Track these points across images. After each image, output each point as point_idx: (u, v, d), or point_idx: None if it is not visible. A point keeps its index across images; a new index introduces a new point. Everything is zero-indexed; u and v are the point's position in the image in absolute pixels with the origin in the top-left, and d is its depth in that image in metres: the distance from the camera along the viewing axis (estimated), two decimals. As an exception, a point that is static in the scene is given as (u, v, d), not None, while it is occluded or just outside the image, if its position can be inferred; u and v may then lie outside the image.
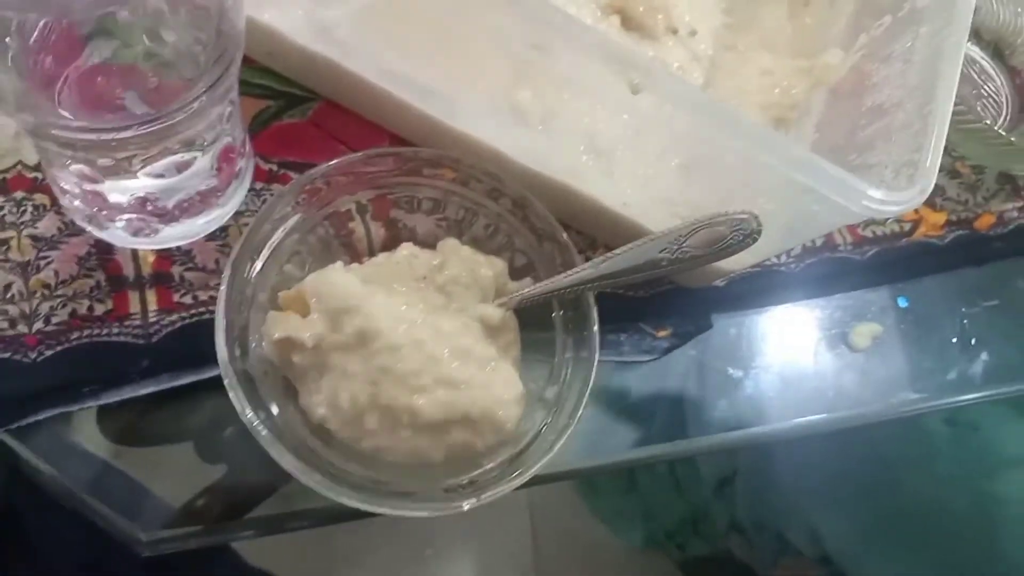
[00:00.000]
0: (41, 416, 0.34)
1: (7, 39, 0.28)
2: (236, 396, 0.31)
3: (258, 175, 0.39)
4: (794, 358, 0.44)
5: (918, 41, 0.35)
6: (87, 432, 0.37)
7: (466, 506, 0.32)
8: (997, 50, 0.53)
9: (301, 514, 0.37)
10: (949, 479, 0.68)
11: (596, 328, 0.35)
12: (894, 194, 0.30)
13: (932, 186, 0.30)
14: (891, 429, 0.70)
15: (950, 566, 0.70)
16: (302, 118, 0.41)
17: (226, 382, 0.31)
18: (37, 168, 0.37)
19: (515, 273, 0.37)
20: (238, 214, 0.38)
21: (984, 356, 0.46)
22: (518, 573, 1.19)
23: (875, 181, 0.31)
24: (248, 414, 0.30)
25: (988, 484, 0.63)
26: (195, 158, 0.33)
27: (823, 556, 0.80)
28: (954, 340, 0.46)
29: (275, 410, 0.32)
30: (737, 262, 0.39)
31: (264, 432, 0.30)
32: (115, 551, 0.66)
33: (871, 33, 0.40)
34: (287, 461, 0.30)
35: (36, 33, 0.30)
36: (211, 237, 0.38)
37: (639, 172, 0.37)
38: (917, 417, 0.67)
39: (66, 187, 0.34)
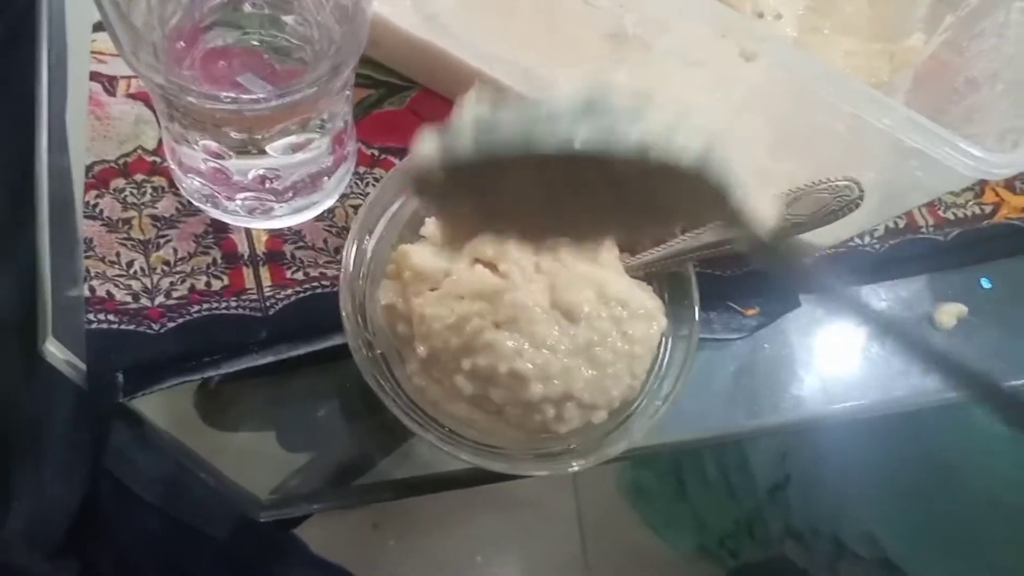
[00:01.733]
0: (166, 384, 0.35)
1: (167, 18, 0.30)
2: (360, 358, 0.32)
3: (361, 159, 0.41)
4: (879, 337, 0.44)
5: (1012, 15, 0.36)
6: (179, 419, 0.38)
7: (575, 465, 0.33)
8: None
9: (407, 482, 0.38)
10: (1008, 480, 0.67)
11: (697, 304, 0.36)
12: (1001, 156, 0.30)
13: (1040, 149, 0.31)
14: (947, 430, 0.70)
15: (1010, 569, 0.69)
16: (400, 106, 0.42)
17: (351, 346, 0.32)
18: (155, 152, 0.39)
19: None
20: (343, 196, 0.40)
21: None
22: (568, 581, 1.19)
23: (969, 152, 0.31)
24: (374, 376, 0.32)
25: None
26: (314, 139, 0.35)
27: (883, 559, 0.80)
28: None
29: (394, 376, 0.33)
30: (831, 236, 0.40)
31: (388, 391, 0.31)
32: (193, 545, 0.68)
33: (957, 13, 0.41)
34: (407, 420, 0.32)
35: (174, 18, 0.32)
36: (319, 218, 0.39)
37: (735, 150, 0.38)
38: (974, 417, 0.67)
39: (191, 165, 0.36)
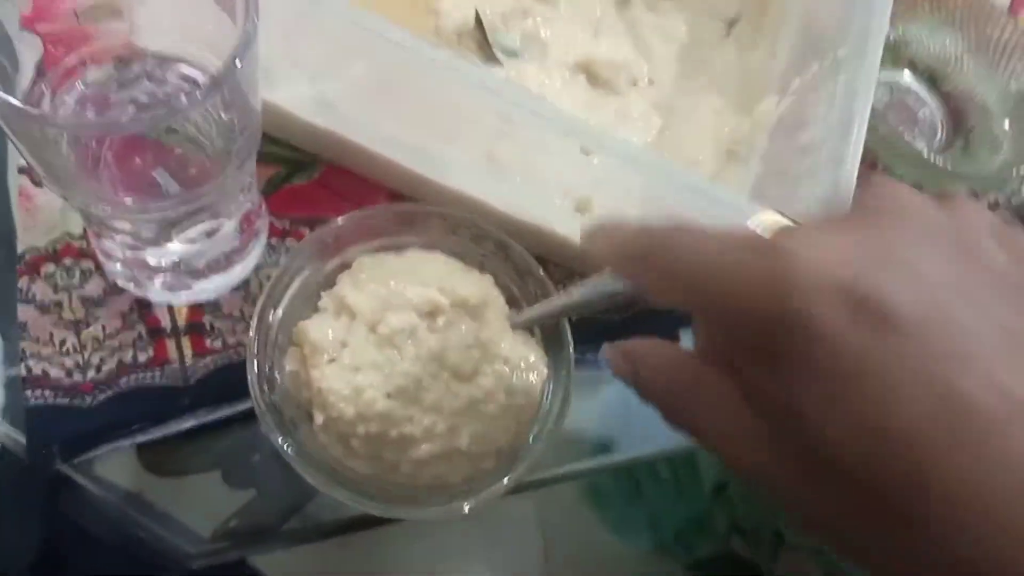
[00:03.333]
0: (100, 451, 0.39)
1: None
2: (266, 423, 0.36)
3: (272, 232, 0.45)
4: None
5: (838, 87, 0.41)
6: (125, 468, 0.42)
7: (466, 508, 0.37)
8: (931, 78, 0.59)
9: (327, 525, 0.43)
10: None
11: (571, 348, 0.41)
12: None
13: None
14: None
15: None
16: (309, 180, 0.46)
17: (258, 412, 0.36)
18: (81, 237, 0.43)
19: (501, 306, 0.42)
20: (257, 267, 0.44)
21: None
22: (532, 588, 1.23)
23: (800, 213, 0.36)
24: (278, 439, 0.36)
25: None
26: (222, 224, 0.39)
27: (818, 549, 0.85)
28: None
29: (299, 435, 0.38)
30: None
31: (292, 453, 0.36)
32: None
33: (803, 78, 0.46)
34: (312, 477, 0.36)
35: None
36: (235, 289, 0.43)
37: (608, 212, 0.43)
38: None
39: (112, 253, 0.40)
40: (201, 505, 0.44)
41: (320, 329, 0.38)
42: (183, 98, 0.28)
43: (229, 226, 0.40)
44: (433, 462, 0.37)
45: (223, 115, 0.34)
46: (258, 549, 0.45)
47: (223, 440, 0.44)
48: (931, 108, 0.58)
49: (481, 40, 0.47)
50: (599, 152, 0.34)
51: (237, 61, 0.28)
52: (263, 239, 0.44)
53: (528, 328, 0.41)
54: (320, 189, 0.46)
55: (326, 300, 0.40)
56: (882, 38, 0.41)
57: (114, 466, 0.42)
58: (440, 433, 0.37)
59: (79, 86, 0.35)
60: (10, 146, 0.44)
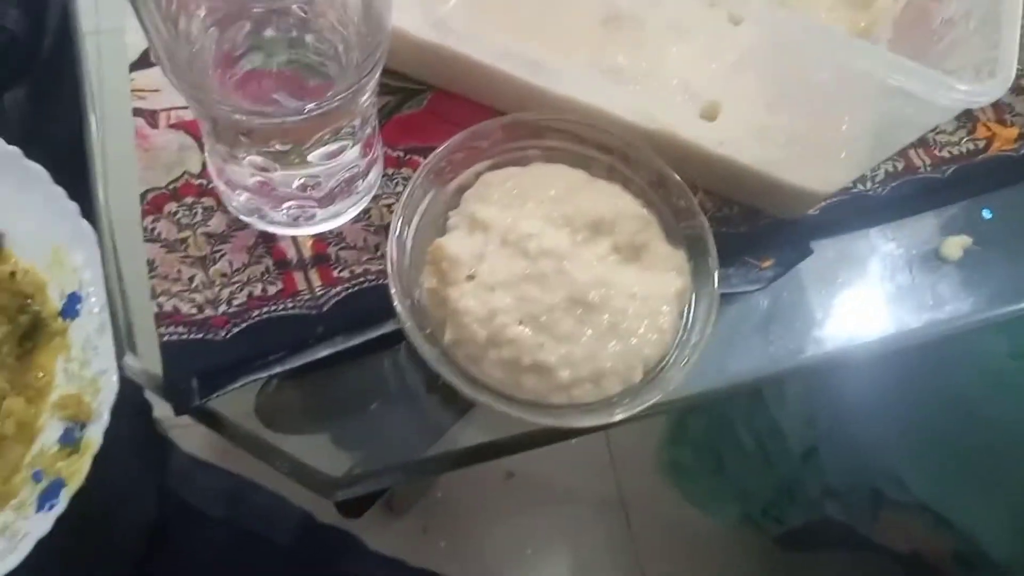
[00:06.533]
0: (238, 384, 0.39)
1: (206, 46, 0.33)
2: (413, 336, 0.35)
3: (387, 162, 0.44)
4: (891, 274, 0.47)
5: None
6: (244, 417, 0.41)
7: (618, 414, 0.36)
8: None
9: (469, 451, 0.41)
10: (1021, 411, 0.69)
11: (715, 260, 0.39)
12: (978, 86, 0.33)
13: (1013, 76, 0.33)
14: (962, 365, 0.72)
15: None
16: (419, 108, 0.46)
17: (401, 315, 0.35)
18: (201, 175, 0.42)
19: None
20: (376, 197, 0.43)
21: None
22: (619, 569, 1.21)
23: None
24: (426, 348, 0.35)
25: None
26: (346, 146, 0.38)
27: (921, 504, 0.81)
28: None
29: (443, 348, 0.37)
30: (832, 183, 0.43)
31: (443, 360, 0.35)
32: (260, 553, 0.71)
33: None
34: (461, 383, 0.35)
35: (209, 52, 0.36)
36: (356, 219, 0.43)
37: (733, 109, 0.41)
38: (983, 354, 0.69)
39: (238, 181, 0.39)
40: (324, 453, 0.42)
41: (458, 244, 0.37)
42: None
43: (352, 149, 0.39)
44: (577, 384, 0.36)
45: (363, 27, 0.34)
46: (392, 481, 0.43)
47: (341, 387, 0.43)
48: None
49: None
50: (752, 17, 0.32)
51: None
52: (381, 167, 0.43)
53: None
54: (430, 116, 0.45)
55: (456, 219, 0.39)
56: None
57: (234, 411, 0.41)
58: (578, 359, 0.36)
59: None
60: (120, 89, 0.44)
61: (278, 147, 0.35)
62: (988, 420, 0.71)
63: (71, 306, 0.47)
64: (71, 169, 0.46)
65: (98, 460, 0.46)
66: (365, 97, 0.36)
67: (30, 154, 0.47)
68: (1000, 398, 0.70)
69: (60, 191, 0.46)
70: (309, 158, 0.37)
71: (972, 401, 0.72)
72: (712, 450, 1.21)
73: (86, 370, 0.46)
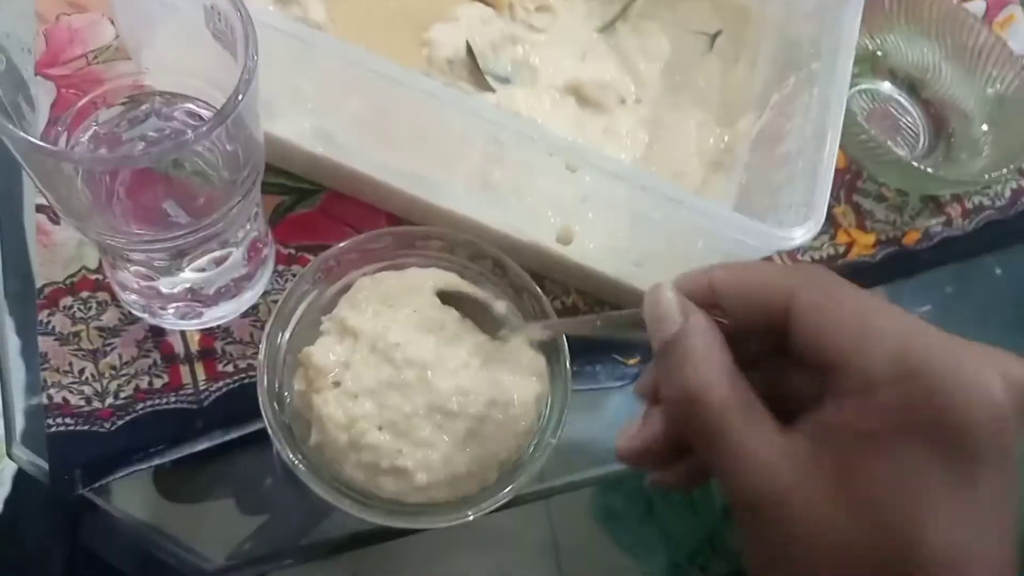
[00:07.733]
0: (119, 475, 0.41)
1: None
2: (277, 440, 0.38)
3: (279, 259, 0.47)
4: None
5: (812, 99, 0.43)
6: (143, 497, 0.44)
7: (471, 515, 0.39)
8: (911, 86, 0.60)
9: (339, 541, 0.44)
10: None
11: (568, 363, 0.42)
12: (792, 230, 0.37)
13: (822, 221, 0.37)
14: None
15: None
16: (312, 208, 0.49)
17: (269, 429, 0.38)
18: (97, 271, 0.45)
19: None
20: (265, 293, 0.46)
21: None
22: (546, 611, 1.23)
23: (781, 219, 0.38)
24: (288, 454, 0.37)
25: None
26: (230, 253, 0.41)
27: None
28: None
29: (308, 452, 0.39)
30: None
31: (302, 468, 0.37)
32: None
33: (781, 91, 0.48)
34: (321, 489, 0.37)
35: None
36: (245, 315, 0.45)
37: (596, 229, 0.44)
38: None
39: (126, 284, 0.42)
40: (217, 530, 0.45)
41: (323, 353, 0.40)
42: (189, 132, 0.29)
43: (237, 254, 0.42)
44: (433, 487, 0.38)
45: (228, 147, 0.37)
46: (273, 567, 0.46)
47: (236, 466, 0.45)
48: (912, 115, 0.60)
49: (473, 68, 0.49)
50: (584, 169, 0.36)
51: (239, 96, 0.30)
52: (270, 266, 0.46)
53: (541, 338, 0.42)
54: (323, 216, 0.48)
55: (327, 324, 0.42)
56: (852, 51, 0.43)
57: (132, 495, 0.43)
58: (435, 464, 0.38)
59: (92, 126, 0.37)
60: (27, 187, 0.47)
61: (157, 263, 0.38)
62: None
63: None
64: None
65: (3, 525, 0.47)
66: (246, 214, 0.39)
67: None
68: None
69: None
70: (191, 268, 0.39)
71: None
72: (643, 497, 1.24)
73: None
